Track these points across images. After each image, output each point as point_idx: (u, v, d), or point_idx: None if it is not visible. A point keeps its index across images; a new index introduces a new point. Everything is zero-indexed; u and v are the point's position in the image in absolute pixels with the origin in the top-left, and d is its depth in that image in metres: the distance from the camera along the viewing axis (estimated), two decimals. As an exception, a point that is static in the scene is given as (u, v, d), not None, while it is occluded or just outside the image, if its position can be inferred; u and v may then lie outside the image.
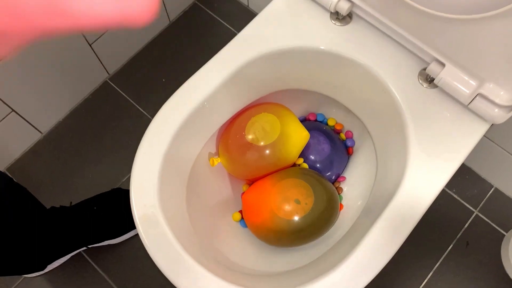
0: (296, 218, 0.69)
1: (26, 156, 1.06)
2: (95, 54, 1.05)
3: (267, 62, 0.70)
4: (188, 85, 0.67)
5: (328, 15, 0.71)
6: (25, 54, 0.88)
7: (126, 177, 1.04)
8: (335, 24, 0.70)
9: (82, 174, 1.04)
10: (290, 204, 0.69)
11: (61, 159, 1.06)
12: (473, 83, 0.62)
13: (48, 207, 0.88)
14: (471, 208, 1.01)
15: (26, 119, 1.01)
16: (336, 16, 0.70)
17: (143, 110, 1.10)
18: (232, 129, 0.75)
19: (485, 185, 1.02)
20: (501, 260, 0.95)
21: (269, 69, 0.72)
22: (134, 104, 1.11)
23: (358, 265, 0.58)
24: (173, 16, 1.19)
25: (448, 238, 0.98)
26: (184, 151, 0.70)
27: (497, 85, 0.60)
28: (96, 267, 0.97)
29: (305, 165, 0.80)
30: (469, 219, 1.00)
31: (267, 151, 0.73)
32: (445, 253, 0.97)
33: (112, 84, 1.13)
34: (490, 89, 0.60)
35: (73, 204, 0.93)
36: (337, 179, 0.82)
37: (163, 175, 0.63)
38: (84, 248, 0.95)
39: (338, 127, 0.86)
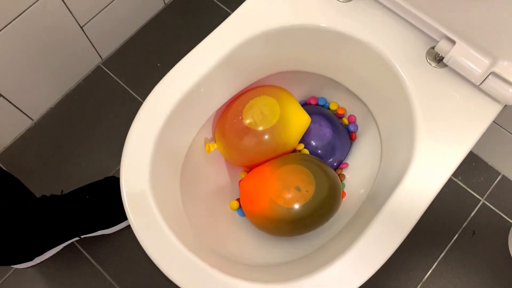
0: (296, 206, 0.68)
1: (16, 143, 1.06)
2: (87, 37, 1.03)
3: (265, 42, 0.69)
4: (181, 66, 0.66)
5: (330, -10, 0.70)
6: (12, 37, 0.85)
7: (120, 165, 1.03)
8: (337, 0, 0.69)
9: (74, 162, 1.04)
10: (290, 192, 0.68)
11: (52, 147, 1.06)
12: (485, 61, 0.60)
13: (39, 196, 0.87)
14: (477, 196, 1.00)
15: (16, 105, 1.00)
16: (339, -9, 0.69)
17: (137, 95, 1.10)
18: (229, 113, 0.74)
19: (492, 172, 1.02)
20: (508, 249, 0.95)
21: (267, 50, 0.71)
22: (128, 89, 1.11)
23: (361, 257, 0.57)
24: (168, -2, 1.17)
25: (454, 227, 0.98)
26: (178, 136, 0.69)
27: (513, 63, 0.59)
28: (90, 258, 0.97)
29: (306, 151, 0.79)
30: (475, 207, 1.00)
31: (266, 136, 0.72)
32: (451, 243, 0.97)
33: (105, 68, 1.13)
34: (505, 67, 0.59)
35: (64, 192, 0.92)
36: (339, 165, 0.82)
37: (155, 160, 0.62)
38: (77, 238, 0.94)
39: (340, 111, 0.85)
